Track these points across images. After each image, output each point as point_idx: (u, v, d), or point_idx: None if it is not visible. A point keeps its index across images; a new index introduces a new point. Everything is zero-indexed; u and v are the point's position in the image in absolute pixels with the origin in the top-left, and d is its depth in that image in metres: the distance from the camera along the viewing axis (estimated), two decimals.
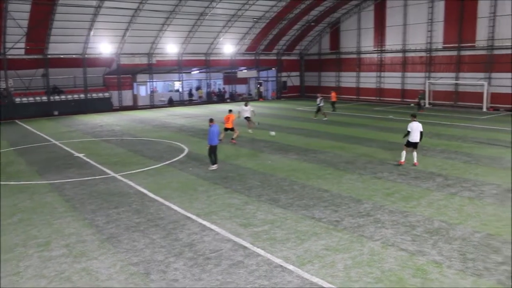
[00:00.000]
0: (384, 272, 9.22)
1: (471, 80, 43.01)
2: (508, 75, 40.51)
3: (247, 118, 29.06)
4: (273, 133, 25.94)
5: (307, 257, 9.96)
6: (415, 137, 18.70)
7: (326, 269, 9.39)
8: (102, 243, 10.95)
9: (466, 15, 42.85)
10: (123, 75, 46.82)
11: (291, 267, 9.50)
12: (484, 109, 40.62)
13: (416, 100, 41.41)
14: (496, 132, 27.67)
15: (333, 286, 8.64)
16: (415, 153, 18.78)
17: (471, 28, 42.74)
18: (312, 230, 11.59)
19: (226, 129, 24.56)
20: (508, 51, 40.37)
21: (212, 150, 18.84)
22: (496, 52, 41.31)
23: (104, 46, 42.63)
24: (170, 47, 47.39)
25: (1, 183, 16.92)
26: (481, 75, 42.23)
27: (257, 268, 9.46)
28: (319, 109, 35.80)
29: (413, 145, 18.79)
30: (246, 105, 29.96)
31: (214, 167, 18.75)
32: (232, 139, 24.86)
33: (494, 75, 41.54)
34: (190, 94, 53.42)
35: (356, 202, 14.01)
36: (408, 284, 8.72)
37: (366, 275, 9.07)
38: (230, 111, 25.03)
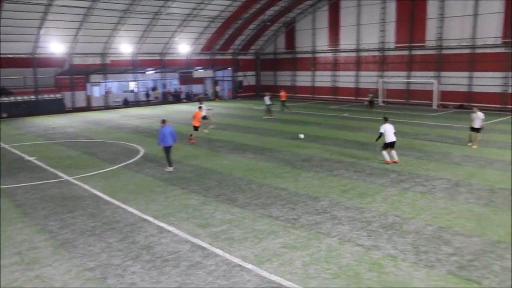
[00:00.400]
0: (341, 267, 9.38)
1: (422, 79, 44.34)
2: (456, 74, 42.05)
3: (204, 118, 28.78)
4: (301, 135, 25.15)
5: (265, 256, 10.02)
6: (390, 138, 19.01)
7: (284, 266, 9.47)
8: (56, 249, 10.65)
9: (416, 16, 44.14)
10: (76, 75, 45.61)
11: (249, 266, 9.53)
12: (434, 107, 41.92)
13: (368, 98, 42.29)
14: (446, 129, 28.63)
15: (292, 284, 8.72)
16: (394, 152, 19.15)
17: (421, 29, 44.06)
18: (270, 229, 11.67)
19: (195, 128, 24.99)
20: (456, 51, 41.89)
21: (166, 151, 18.66)
22: (444, 52, 42.76)
23: (55, 46, 41.37)
24: (125, 47, 46.56)
25: None
26: (431, 74, 43.61)
27: (216, 269, 9.44)
28: (268, 108, 36.17)
29: (391, 145, 19.07)
30: (201, 103, 29.63)
31: (170, 169, 18.57)
32: (191, 139, 24.86)
33: (443, 74, 43.00)
34: (147, 95, 52.63)
35: (313, 199, 14.19)
36: (364, 278, 8.91)
37: (324, 271, 9.21)
38: (200, 108, 24.78)
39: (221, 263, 9.70)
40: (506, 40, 38.67)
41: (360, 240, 10.84)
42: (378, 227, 11.66)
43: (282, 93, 41.17)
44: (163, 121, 19.05)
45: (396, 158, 19.07)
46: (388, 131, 19.05)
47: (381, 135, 18.97)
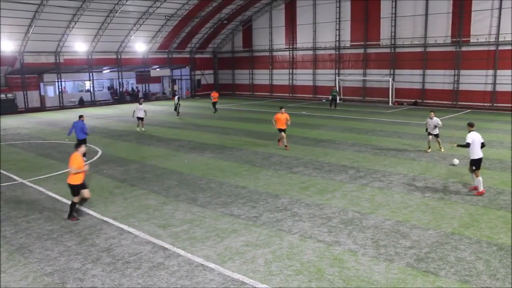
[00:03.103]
0: (303, 264, 9.48)
1: (377, 77, 45.35)
2: (410, 72, 43.26)
3: (140, 118, 28.24)
4: (456, 161, 17.31)
5: (227, 255, 10.01)
6: (477, 153, 14.13)
7: (247, 265, 9.49)
8: (11, 255, 10.28)
9: (370, 15, 45.10)
10: (28, 74, 44.14)
11: (212, 265, 9.49)
12: (390, 104, 42.94)
13: (330, 97, 42.81)
14: (402, 125, 29.38)
15: (254, 281, 8.75)
16: (479, 178, 14.36)
17: (375, 28, 45.05)
18: (232, 227, 11.66)
19: (280, 130, 22.22)
20: (409, 50, 43.07)
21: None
22: (398, 50, 43.88)
23: (4, 44, 39.86)
24: (79, 45, 45.42)
25: None
26: (386, 71, 44.66)
27: (178, 269, 9.36)
28: (176, 107, 36.33)
29: (477, 164, 14.22)
30: (140, 103, 28.98)
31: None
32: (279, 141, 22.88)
33: (397, 71, 44.13)
34: (120, 93, 51.33)
35: (273, 197, 14.27)
36: (326, 274, 9.03)
37: (286, 268, 9.28)
38: (281, 108, 22.52)
39: (184, 263, 9.62)
40: (455, 39, 40.05)
41: (321, 236, 10.98)
42: (338, 223, 11.84)
43: (213, 94, 39.58)
44: (81, 116, 20.80)
45: (482, 187, 14.14)
46: (476, 143, 14.13)
47: (468, 145, 14.09)
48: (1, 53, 40.97)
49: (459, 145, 14.84)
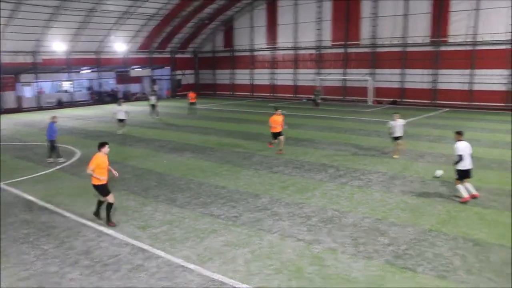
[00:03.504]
0: (283, 263, 9.49)
1: (357, 76, 45.64)
2: (389, 71, 43.68)
3: (120, 120, 27.76)
4: (440, 172, 14.53)
5: (207, 255, 9.97)
6: (467, 163, 13.56)
7: (227, 265, 9.46)
8: None
9: (351, 15, 45.39)
10: (4, 75, 43.31)
11: (192, 266, 9.45)
12: (370, 103, 43.27)
13: (312, 97, 42.94)
14: (381, 124, 29.57)
15: (234, 281, 8.73)
16: (469, 184, 13.93)
17: (356, 27, 45.37)
18: (211, 227, 11.63)
19: (275, 134, 20.83)
20: (388, 49, 43.48)
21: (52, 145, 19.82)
22: (378, 50, 44.26)
23: None
24: (58, 45, 44.73)
25: None
26: (366, 71, 44.99)
27: (158, 270, 9.29)
28: (153, 107, 35.95)
29: (467, 175, 13.69)
30: (119, 105, 28.38)
31: (51, 160, 19.87)
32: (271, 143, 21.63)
33: (377, 71, 44.50)
34: (99, 94, 50.90)
35: (253, 197, 14.27)
36: (306, 272, 9.06)
37: (266, 267, 9.28)
38: (276, 109, 21.14)
39: (163, 264, 9.56)
40: (434, 39, 40.56)
41: (301, 235, 11.01)
42: (317, 222, 11.89)
43: (190, 95, 38.57)
44: (53, 117, 20.45)
45: (474, 190, 13.82)
46: (467, 153, 13.69)
47: (461, 158, 13.45)
48: None
49: (456, 163, 13.45)
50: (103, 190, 11.90)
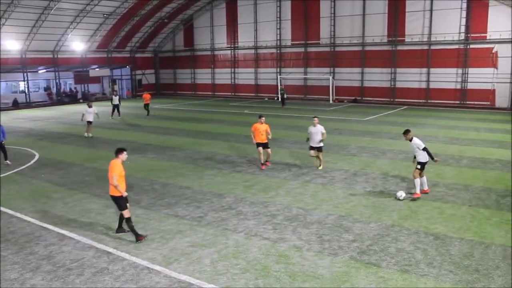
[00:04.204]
0: (249, 262, 9.50)
1: (318, 75, 46.19)
2: (349, 70, 44.39)
3: (89, 122, 26.57)
4: (402, 194, 13.62)
5: (173, 256, 9.88)
6: (423, 156, 13.75)
7: (193, 265, 9.40)
8: None
9: (310, 14, 45.89)
10: None
11: (158, 267, 9.34)
12: (331, 101, 43.84)
13: (279, 95, 42.87)
14: (342, 122, 30.08)
15: (201, 282, 8.68)
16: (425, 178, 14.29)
17: (315, 27, 45.90)
18: (177, 228, 11.52)
19: (259, 145, 17.87)
20: (348, 48, 44.19)
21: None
22: (338, 49, 44.90)
23: None
24: (11, 44, 43.28)
25: None
26: (326, 69, 45.59)
27: (123, 273, 9.13)
28: (116, 107, 35.49)
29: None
30: (90, 106, 27.22)
31: (8, 162, 19.39)
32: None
33: (337, 70, 45.15)
34: (57, 94, 49.56)
35: (218, 196, 14.23)
36: (272, 270, 9.09)
37: (232, 267, 9.27)
38: (260, 116, 18.09)
39: (128, 267, 9.40)
40: (391, 39, 41.48)
41: (266, 233, 11.05)
42: (283, 220, 11.96)
43: (145, 96, 37.66)
44: None
45: (426, 186, 14.18)
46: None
47: (426, 150, 13.61)
48: None
49: (429, 156, 13.50)
50: (123, 202, 10.71)
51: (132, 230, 10.66)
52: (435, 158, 13.66)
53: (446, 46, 38.86)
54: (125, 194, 10.66)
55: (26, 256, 10.09)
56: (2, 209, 13.48)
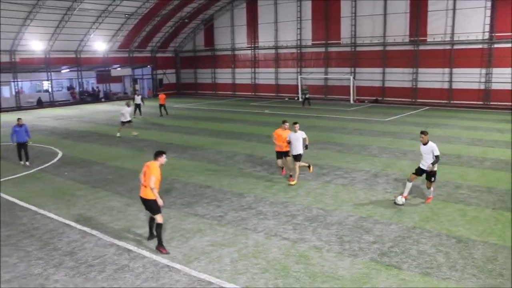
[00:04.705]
0: (269, 262, 9.52)
1: (339, 75, 45.94)
2: (370, 70, 44.05)
3: (127, 122, 26.50)
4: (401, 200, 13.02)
5: (193, 255, 9.94)
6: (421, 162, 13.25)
7: (213, 264, 9.45)
8: None
9: (330, 14, 45.64)
10: None
11: (178, 266, 9.42)
12: (351, 102, 43.58)
13: (303, 96, 42.59)
14: (363, 123, 29.88)
15: (221, 281, 8.73)
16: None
17: (336, 27, 45.64)
18: (197, 227, 11.60)
19: (280, 154, 16.17)
20: (369, 48, 43.85)
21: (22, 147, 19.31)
22: (358, 49, 44.59)
23: None
24: (36, 44, 44.05)
25: None
26: (347, 69, 45.31)
27: (144, 271, 9.23)
28: (138, 106, 35.72)
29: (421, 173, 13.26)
30: (128, 106, 27.41)
31: (27, 163, 19.32)
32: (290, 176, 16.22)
33: (358, 70, 44.84)
34: (80, 93, 50.23)
35: (238, 196, 14.28)
36: (292, 270, 9.09)
37: (252, 267, 9.29)
38: (284, 121, 16.20)
39: (149, 264, 9.50)
40: (412, 39, 41.04)
41: (286, 233, 11.05)
42: (303, 220, 11.94)
43: (161, 96, 37.44)
44: (19, 119, 19.63)
45: (432, 194, 13.45)
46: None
47: (438, 158, 12.75)
48: None
49: (434, 163, 12.74)
50: (158, 206, 10.14)
51: (159, 237, 10.18)
52: (435, 168, 12.91)
53: (470, 46, 38.27)
54: (160, 201, 10.10)
55: (49, 252, 10.28)
56: (27, 205, 13.75)
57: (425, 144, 12.84)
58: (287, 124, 15.95)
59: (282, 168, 16.74)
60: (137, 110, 35.55)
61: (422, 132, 12.98)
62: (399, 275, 8.85)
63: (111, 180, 16.65)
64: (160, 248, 10.08)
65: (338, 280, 8.68)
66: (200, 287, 8.56)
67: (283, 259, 9.62)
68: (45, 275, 9.19)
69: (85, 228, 11.72)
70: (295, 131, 15.58)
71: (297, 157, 15.49)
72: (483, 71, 37.98)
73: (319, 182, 15.67)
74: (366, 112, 35.78)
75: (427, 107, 38.69)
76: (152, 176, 9.92)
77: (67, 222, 12.25)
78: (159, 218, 10.10)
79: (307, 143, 15.88)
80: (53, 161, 20.02)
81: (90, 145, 24.17)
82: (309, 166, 16.18)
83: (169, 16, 51.34)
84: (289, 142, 15.56)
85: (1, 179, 16.99)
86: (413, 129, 26.48)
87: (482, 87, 38.23)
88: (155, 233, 10.49)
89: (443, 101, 40.06)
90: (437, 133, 25.01)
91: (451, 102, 39.56)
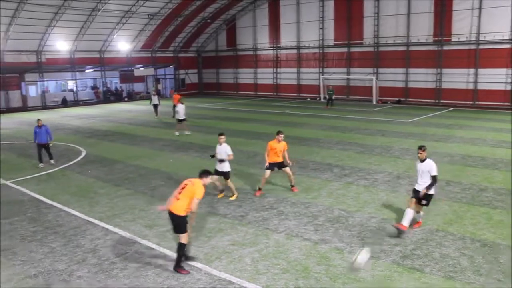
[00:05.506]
0: (290, 262, 9.50)
1: (361, 75, 45.61)
2: (393, 70, 43.62)
3: (182, 120, 26.77)
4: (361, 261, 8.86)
5: (214, 254, 9.99)
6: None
7: (234, 264, 9.48)
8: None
9: (353, 14, 45.33)
10: (8, 74, 43.35)
11: (199, 265, 9.47)
12: (374, 102, 43.21)
13: (327, 96, 42.20)
14: (385, 123, 29.59)
15: (242, 280, 8.75)
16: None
17: (358, 27, 45.30)
18: (218, 227, 11.65)
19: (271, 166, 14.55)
20: (392, 48, 43.41)
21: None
22: (381, 49, 44.19)
23: None
24: (61, 44, 44.81)
25: None
26: (370, 70, 44.94)
27: (165, 269, 9.31)
28: (155, 106, 35.77)
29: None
30: (182, 103, 27.35)
31: (52, 161, 19.37)
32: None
33: (381, 70, 44.44)
34: (104, 93, 50.94)
35: (259, 196, 14.27)
36: (313, 271, 9.07)
37: (273, 267, 9.29)
38: (278, 132, 14.73)
39: (170, 263, 9.56)
40: (437, 39, 40.49)
41: (308, 234, 11.02)
42: (324, 221, 11.89)
43: (175, 96, 34.94)
44: (39, 120, 19.60)
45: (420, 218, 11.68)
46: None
47: (435, 180, 11.09)
48: None
49: (430, 186, 11.06)
50: (185, 226, 9.32)
51: (181, 256, 9.34)
52: (429, 192, 11.15)
53: (496, 46, 37.57)
54: (193, 223, 9.66)
55: (73, 249, 10.45)
56: (52, 202, 14.00)
57: (422, 161, 11.13)
58: (282, 135, 14.59)
59: (259, 189, 14.68)
60: (155, 110, 35.69)
61: (420, 147, 11.17)
62: (421, 278, 8.75)
63: (132, 178, 16.82)
64: (178, 269, 9.22)
65: (359, 282, 8.63)
66: (221, 286, 8.60)
67: (304, 260, 9.60)
68: (68, 271, 9.34)
69: (108, 226, 11.88)
70: (220, 144, 14.01)
71: (225, 175, 13.92)
72: (510, 71, 37.24)
73: (341, 183, 15.58)
74: (388, 113, 35.43)
75: (452, 108, 38.11)
76: (195, 198, 9.17)
77: (90, 219, 12.43)
78: (184, 238, 9.24)
79: (229, 158, 13.94)
80: (77, 160, 20.32)
81: (113, 143, 24.48)
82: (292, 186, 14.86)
83: (192, 17, 51.66)
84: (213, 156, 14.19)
85: (28, 177, 17.34)
86: (436, 130, 26.16)
87: (509, 87, 37.47)
88: (190, 255, 9.76)
89: (468, 102, 39.40)
90: (461, 134, 24.67)
91: (476, 103, 38.90)
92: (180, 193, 9.32)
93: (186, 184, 9.44)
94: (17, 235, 11.39)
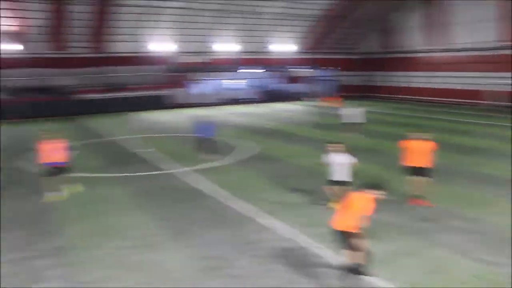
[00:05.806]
0: (453, 280, 8.86)
1: None
2: None
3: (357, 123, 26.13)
4: None
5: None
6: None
7: (391, 273, 9.14)
8: (176, 236, 11.39)
9: None
10: (181, 73, 47.38)
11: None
12: None
13: None
14: None
15: None
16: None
17: None
18: (376, 235, 11.19)
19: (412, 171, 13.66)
20: None
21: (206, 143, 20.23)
22: None
23: (164, 45, 45.27)
24: (230, 46, 49.61)
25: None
26: None
27: (327, 272, 9.37)
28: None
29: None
30: (354, 107, 27.03)
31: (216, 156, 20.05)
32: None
33: None
34: (267, 93, 53.11)
35: (423, 206, 13.42)
36: None
37: (432, 283, 8.75)
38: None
39: (325, 265, 9.64)
40: None
41: (476, 253, 10.11)
42: (497, 241, 10.76)
43: (335, 99, 34.80)
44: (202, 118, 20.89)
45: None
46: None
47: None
48: (159, 54, 45.87)
49: None
50: (357, 241, 8.48)
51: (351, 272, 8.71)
52: None
53: None
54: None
55: (235, 238, 11.16)
56: (227, 193, 14.98)
57: None
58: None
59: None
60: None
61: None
62: None
63: (292, 176, 17.28)
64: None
65: None
66: None
67: (468, 281, 8.86)
68: (231, 259, 9.98)
69: (267, 222, 12.28)
70: (336, 153, 12.78)
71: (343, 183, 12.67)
72: None
73: None
74: None
75: None
76: (366, 213, 8.49)
77: (251, 215, 12.92)
78: (356, 257, 8.63)
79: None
80: (242, 156, 21.29)
81: (275, 141, 25.22)
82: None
83: (351, 18, 51.70)
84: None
85: (205, 167, 18.78)
86: None
87: None
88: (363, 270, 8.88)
89: None
90: None
91: None
92: (347, 209, 8.58)
93: (355, 200, 8.59)
94: (189, 219, 12.54)
